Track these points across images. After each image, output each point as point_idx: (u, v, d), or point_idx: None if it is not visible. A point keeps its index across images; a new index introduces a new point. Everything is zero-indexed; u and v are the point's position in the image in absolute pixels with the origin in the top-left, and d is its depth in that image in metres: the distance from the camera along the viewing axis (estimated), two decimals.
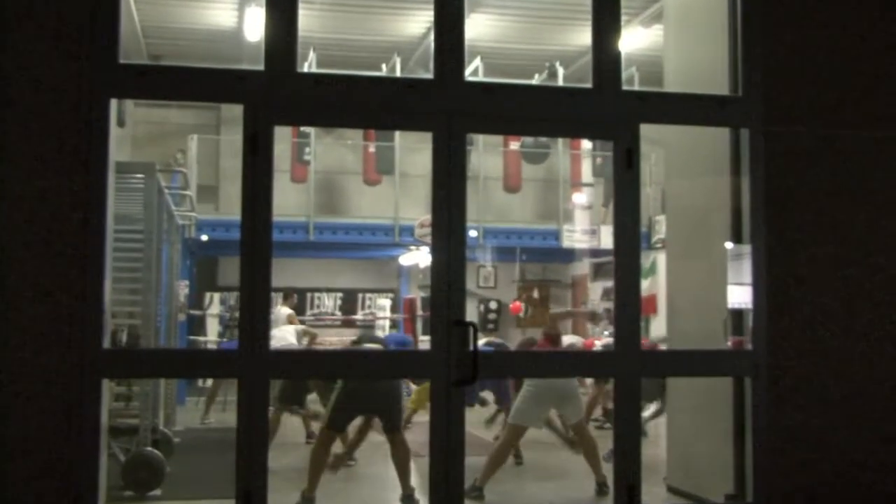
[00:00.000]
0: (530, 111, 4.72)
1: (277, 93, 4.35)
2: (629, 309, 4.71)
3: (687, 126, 5.52)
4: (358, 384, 7.15)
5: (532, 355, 6.33)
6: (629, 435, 4.67)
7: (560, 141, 17.35)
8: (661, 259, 14.52)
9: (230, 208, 16.05)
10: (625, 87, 4.83)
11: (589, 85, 4.77)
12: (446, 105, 4.52)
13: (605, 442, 8.55)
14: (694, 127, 5.66)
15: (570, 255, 18.93)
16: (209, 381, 14.19)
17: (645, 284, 11.41)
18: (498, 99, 4.66)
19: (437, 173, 4.49)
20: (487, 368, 4.55)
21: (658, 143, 8.55)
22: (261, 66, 4.37)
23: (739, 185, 5.19)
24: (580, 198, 17.96)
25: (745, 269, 5.03)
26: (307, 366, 4.99)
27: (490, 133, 11.38)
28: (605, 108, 4.72)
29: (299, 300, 18.86)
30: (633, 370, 4.68)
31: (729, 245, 5.56)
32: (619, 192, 4.74)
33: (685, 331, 7.32)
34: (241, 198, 4.27)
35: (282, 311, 13.57)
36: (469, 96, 4.58)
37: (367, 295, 21.14)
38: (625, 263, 4.73)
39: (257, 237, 4.28)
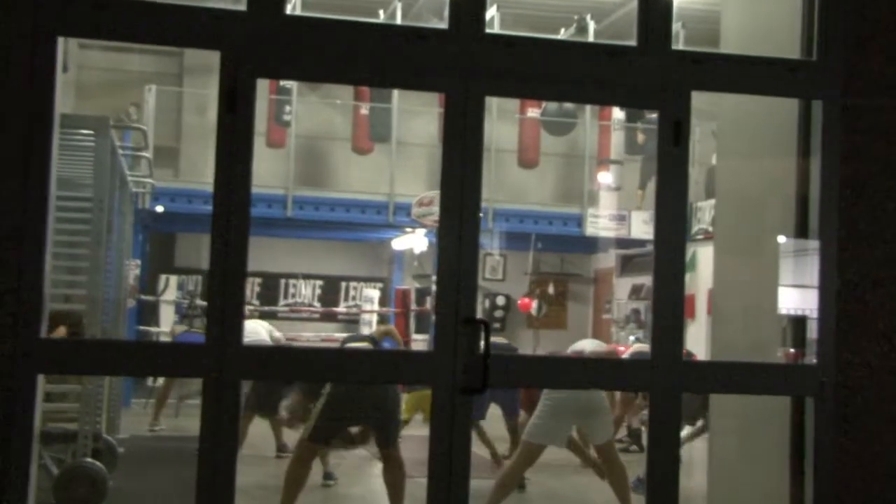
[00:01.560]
0: (562, 72, 4.66)
1: (262, 39, 4.30)
2: (670, 311, 4.67)
3: (743, 95, 5.47)
4: (347, 389, 7.12)
5: (554, 362, 6.29)
6: (665, 460, 4.65)
7: (588, 109, 17.30)
8: (703, 253, 14.53)
9: (193, 174, 16.05)
10: (675, 47, 4.78)
11: (632, 42, 4.73)
12: (463, 61, 4.46)
13: (631, 468, 8.57)
14: (752, 96, 5.61)
15: (593, 245, 18.93)
16: (160, 381, 14.17)
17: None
18: (524, 56, 4.60)
19: (449, 143, 4.43)
20: (500, 375, 4.52)
21: (706, 114, 8.51)
22: (242, 6, 4.32)
23: (807, 167, 5.15)
24: (607, 178, 17.91)
25: (804, 269, 4.99)
26: (287, 365, 4.94)
27: (513, 96, 11.28)
28: (651, 72, 4.67)
29: (272, 287, 18.87)
30: (673, 384, 4.65)
31: (782, 239, 5.52)
32: (663, 172, 4.69)
33: (732, 340, 7.28)
34: (214, 164, 4.22)
35: None
36: (490, 52, 4.53)
37: (352, 284, 21.15)
38: (667, 257, 4.69)
39: (233, 211, 4.24)
